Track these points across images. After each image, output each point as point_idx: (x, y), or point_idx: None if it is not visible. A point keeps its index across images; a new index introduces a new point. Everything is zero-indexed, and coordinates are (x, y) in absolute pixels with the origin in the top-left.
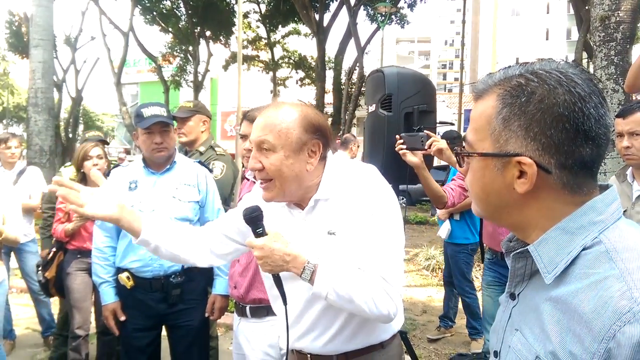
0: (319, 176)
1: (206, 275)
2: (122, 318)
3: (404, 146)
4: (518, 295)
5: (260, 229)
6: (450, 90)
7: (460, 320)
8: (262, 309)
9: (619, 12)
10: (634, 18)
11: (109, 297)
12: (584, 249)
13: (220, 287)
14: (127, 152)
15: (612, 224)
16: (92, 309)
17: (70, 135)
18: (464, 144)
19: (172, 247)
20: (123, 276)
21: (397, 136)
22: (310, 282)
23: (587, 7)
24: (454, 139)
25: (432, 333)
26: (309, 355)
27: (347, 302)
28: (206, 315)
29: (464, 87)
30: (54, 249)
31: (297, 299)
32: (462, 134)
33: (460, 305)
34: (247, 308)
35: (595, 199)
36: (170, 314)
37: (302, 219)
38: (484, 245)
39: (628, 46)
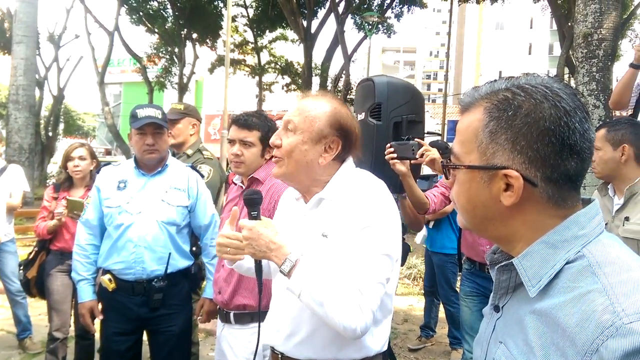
0: (330, 175)
1: (190, 280)
2: (100, 317)
3: (394, 155)
4: (502, 307)
5: (256, 213)
6: (434, 101)
7: (441, 329)
8: (246, 316)
9: (602, 29)
10: (616, 36)
11: (86, 295)
12: (567, 263)
13: (210, 290)
14: (108, 152)
15: (595, 238)
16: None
17: (51, 134)
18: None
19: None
20: (105, 278)
21: (388, 145)
22: (288, 275)
23: (570, 24)
24: (444, 149)
25: (413, 342)
26: (279, 355)
27: (317, 305)
28: (194, 318)
29: (447, 98)
30: (35, 249)
31: (282, 293)
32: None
33: (441, 315)
34: (231, 314)
35: (578, 213)
36: (151, 318)
37: (303, 214)
38: (462, 255)
39: (609, 63)
